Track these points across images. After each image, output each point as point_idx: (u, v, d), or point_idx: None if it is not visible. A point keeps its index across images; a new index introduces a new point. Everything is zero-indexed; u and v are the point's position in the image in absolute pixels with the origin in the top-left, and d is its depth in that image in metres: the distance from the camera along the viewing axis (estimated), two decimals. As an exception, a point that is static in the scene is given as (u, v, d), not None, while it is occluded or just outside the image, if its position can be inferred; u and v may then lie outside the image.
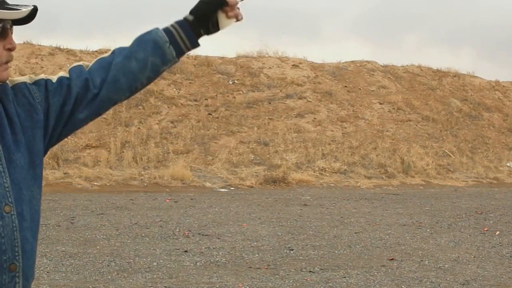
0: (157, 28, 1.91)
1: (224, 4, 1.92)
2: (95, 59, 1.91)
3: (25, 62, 18.75)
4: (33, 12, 1.73)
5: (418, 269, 7.44)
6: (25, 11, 1.71)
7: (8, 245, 1.67)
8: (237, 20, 1.96)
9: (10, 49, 1.73)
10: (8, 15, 1.70)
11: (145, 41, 1.89)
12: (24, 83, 1.81)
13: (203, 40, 1.97)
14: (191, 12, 1.92)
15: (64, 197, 12.70)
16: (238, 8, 1.96)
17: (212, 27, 1.93)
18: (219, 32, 1.96)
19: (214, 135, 18.39)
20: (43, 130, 1.80)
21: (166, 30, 1.91)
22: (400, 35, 48.22)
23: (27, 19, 1.74)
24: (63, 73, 1.87)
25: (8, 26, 1.72)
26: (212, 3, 1.92)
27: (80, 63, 1.90)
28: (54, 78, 1.86)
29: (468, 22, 50.50)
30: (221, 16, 1.93)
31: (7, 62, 1.73)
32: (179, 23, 1.91)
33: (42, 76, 1.87)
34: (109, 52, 1.92)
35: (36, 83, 1.83)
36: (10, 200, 1.68)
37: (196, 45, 1.93)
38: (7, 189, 1.68)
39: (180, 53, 1.92)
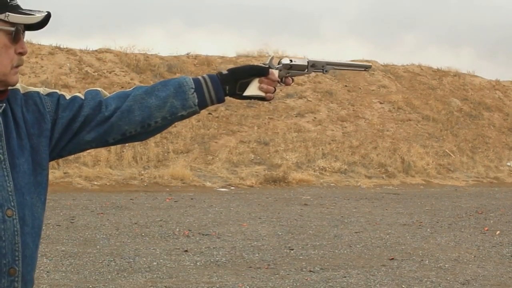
0: (186, 76, 1.92)
1: (264, 74, 1.92)
2: (115, 92, 1.92)
3: (25, 62, 18.72)
4: (47, 18, 1.74)
5: (419, 268, 7.43)
6: (38, 16, 1.73)
7: (8, 249, 1.67)
8: (265, 98, 1.95)
9: (22, 53, 1.75)
10: (22, 19, 1.71)
11: (170, 82, 1.90)
12: (37, 92, 1.82)
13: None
14: (229, 69, 1.93)
15: (64, 197, 12.69)
16: (275, 88, 1.95)
17: (239, 89, 1.93)
18: (241, 96, 1.94)
19: (214, 134, 18.39)
20: (48, 140, 1.80)
21: (195, 78, 1.91)
22: (399, 35, 48.16)
23: (40, 25, 1.75)
24: (79, 94, 1.88)
25: (21, 31, 1.73)
26: (255, 68, 1.93)
27: (99, 88, 1.91)
28: (68, 96, 1.87)
29: (468, 21, 50.46)
30: (254, 83, 1.92)
31: (17, 66, 1.75)
32: (210, 75, 1.92)
33: (57, 90, 1.88)
34: (131, 88, 1.93)
35: (50, 95, 1.84)
36: (12, 204, 1.68)
37: (221, 99, 1.92)
38: (10, 193, 1.68)
39: (203, 103, 1.91)
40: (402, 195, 15.08)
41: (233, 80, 1.92)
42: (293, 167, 17.24)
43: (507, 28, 47.71)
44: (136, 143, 16.75)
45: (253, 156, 17.74)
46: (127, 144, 16.71)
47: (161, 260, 7.47)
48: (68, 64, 19.39)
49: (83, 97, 1.86)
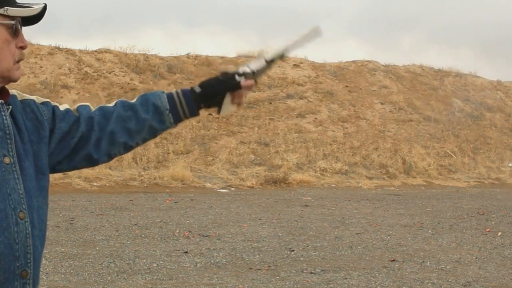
0: (162, 93, 1.94)
1: (236, 89, 1.93)
2: (98, 106, 1.94)
3: (24, 62, 18.70)
4: (44, 10, 1.74)
5: (420, 270, 7.39)
6: (37, 8, 1.73)
7: (21, 252, 1.67)
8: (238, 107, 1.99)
9: (22, 47, 1.74)
10: (22, 12, 1.71)
11: (147, 103, 1.92)
12: (33, 100, 1.82)
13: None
14: (201, 86, 1.94)
15: (64, 198, 12.66)
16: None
17: (213, 105, 1.96)
18: (218, 112, 1.99)
19: (215, 135, 18.35)
20: (47, 147, 1.80)
21: (170, 96, 1.93)
22: (398, 35, 48.12)
23: (37, 18, 1.75)
24: (70, 108, 1.89)
25: (19, 25, 1.72)
26: (225, 83, 1.93)
27: (88, 103, 1.93)
28: (61, 107, 1.88)
29: (468, 20, 50.40)
30: (227, 100, 1.94)
31: (19, 61, 1.74)
32: (184, 92, 1.94)
33: (49, 100, 1.88)
34: (113, 103, 1.94)
35: (44, 103, 1.84)
36: (24, 207, 1.68)
37: (195, 114, 1.96)
38: (21, 196, 1.68)
39: (178, 120, 1.95)
40: (403, 196, 15.04)
41: (208, 99, 1.94)
42: (293, 168, 17.21)
43: (508, 28, 47.71)
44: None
45: (253, 157, 17.70)
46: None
47: (161, 262, 7.43)
48: (67, 65, 19.35)
49: (77, 114, 1.87)
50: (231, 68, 1.98)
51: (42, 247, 1.76)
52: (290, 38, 2.05)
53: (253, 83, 1.95)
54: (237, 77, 1.94)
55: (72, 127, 1.84)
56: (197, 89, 1.94)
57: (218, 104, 1.95)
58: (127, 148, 1.93)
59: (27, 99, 1.80)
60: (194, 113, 1.95)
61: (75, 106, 1.90)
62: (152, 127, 1.92)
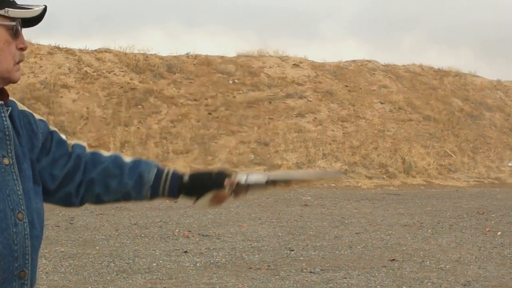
0: (155, 167, 1.93)
1: (220, 187, 1.90)
2: (92, 150, 1.94)
3: (24, 62, 18.67)
4: (44, 12, 1.75)
5: (419, 269, 7.39)
6: (37, 10, 1.73)
7: (20, 252, 1.68)
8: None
9: (22, 49, 1.75)
10: (22, 13, 1.71)
11: (136, 170, 1.92)
12: (31, 113, 1.83)
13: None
14: (191, 176, 1.93)
15: (64, 197, 12.66)
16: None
17: (194, 195, 1.94)
18: (193, 203, 1.97)
19: (214, 135, 18.35)
20: (36, 158, 1.81)
21: (159, 173, 1.92)
22: (398, 35, 48.07)
23: (37, 20, 1.76)
24: (66, 140, 1.89)
25: (19, 26, 1.72)
26: (212, 181, 1.91)
27: (85, 144, 1.95)
28: (60, 134, 1.89)
29: (468, 20, 50.38)
30: (208, 196, 1.91)
31: (19, 62, 1.75)
32: (174, 175, 1.93)
33: (45, 120, 1.89)
34: (110, 153, 1.95)
35: (42, 120, 1.85)
36: (23, 207, 1.69)
37: (172, 197, 1.97)
38: (20, 197, 1.69)
39: (155, 196, 1.95)
40: (403, 196, 15.04)
41: (191, 188, 1.94)
42: (293, 168, 17.20)
43: (508, 28, 47.69)
44: (135, 144, 16.74)
45: (253, 156, 17.70)
46: (126, 145, 16.69)
47: (160, 261, 7.43)
48: (67, 64, 19.34)
49: (70, 149, 1.88)
50: (231, 171, 1.92)
51: (40, 247, 1.77)
52: (305, 171, 1.98)
53: (234, 183, 1.89)
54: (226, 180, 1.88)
55: (61, 159, 1.85)
56: (186, 178, 1.92)
57: (198, 196, 1.92)
58: (98, 200, 1.93)
59: (25, 110, 1.82)
60: (173, 196, 1.95)
61: (72, 143, 1.91)
62: (129, 193, 1.92)
